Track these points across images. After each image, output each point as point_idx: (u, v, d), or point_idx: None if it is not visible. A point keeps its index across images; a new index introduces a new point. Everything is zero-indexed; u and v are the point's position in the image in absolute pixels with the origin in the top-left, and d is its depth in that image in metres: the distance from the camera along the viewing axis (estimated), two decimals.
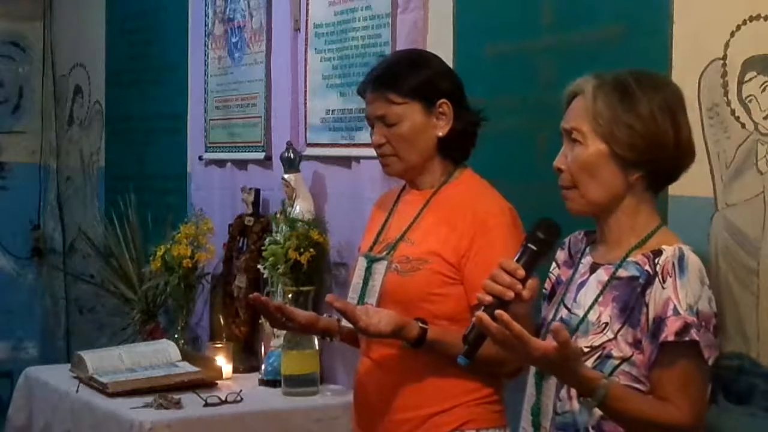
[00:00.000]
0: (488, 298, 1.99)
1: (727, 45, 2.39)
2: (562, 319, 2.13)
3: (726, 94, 2.40)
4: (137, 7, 5.23)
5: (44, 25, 6.09)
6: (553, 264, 2.28)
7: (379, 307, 2.50)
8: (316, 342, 3.45)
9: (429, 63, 2.64)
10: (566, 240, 2.27)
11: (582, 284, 2.14)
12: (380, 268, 2.57)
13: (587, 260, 2.18)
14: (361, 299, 2.58)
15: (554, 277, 2.26)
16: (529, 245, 2.05)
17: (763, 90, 2.33)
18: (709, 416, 2.41)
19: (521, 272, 2.00)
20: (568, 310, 2.14)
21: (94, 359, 3.62)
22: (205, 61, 4.53)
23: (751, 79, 2.35)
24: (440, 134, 2.59)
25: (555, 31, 2.91)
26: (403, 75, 2.58)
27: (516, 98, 2.96)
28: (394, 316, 2.43)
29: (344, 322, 2.53)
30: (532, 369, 2.17)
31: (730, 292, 2.37)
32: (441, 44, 3.21)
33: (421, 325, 2.45)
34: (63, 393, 3.59)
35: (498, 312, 1.93)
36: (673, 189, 2.49)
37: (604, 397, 1.96)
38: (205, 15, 4.52)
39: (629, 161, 2.06)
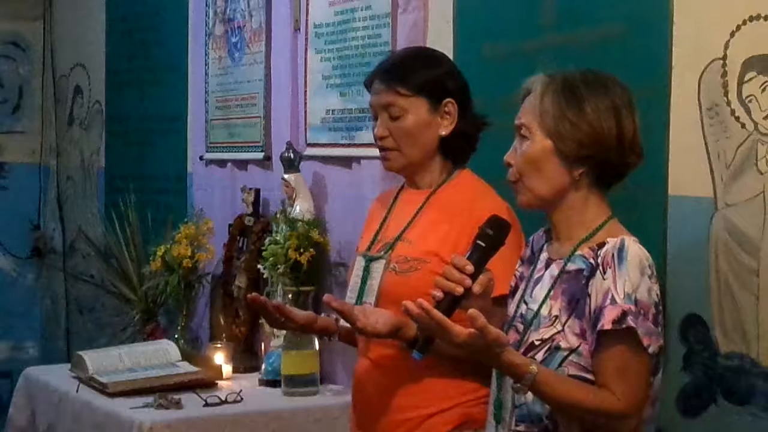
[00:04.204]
0: (439, 294, 2.06)
1: (727, 45, 2.39)
2: (521, 315, 2.18)
3: (726, 94, 2.40)
4: (137, 7, 5.22)
5: (44, 25, 6.08)
6: (519, 261, 2.32)
7: (377, 307, 2.51)
8: (316, 342, 3.45)
9: (440, 62, 2.65)
10: (531, 238, 2.32)
11: (538, 280, 2.20)
12: (378, 267, 2.57)
13: (544, 256, 2.23)
14: (360, 298, 2.58)
15: (518, 274, 2.30)
16: (478, 242, 2.12)
17: (763, 90, 2.33)
18: (709, 416, 2.41)
19: (470, 268, 2.07)
20: (526, 305, 2.19)
21: (94, 359, 3.62)
22: (205, 61, 4.53)
23: (751, 79, 2.35)
24: (443, 133, 2.59)
25: (555, 31, 2.91)
26: (414, 70, 2.58)
27: (516, 98, 2.95)
28: (392, 316, 2.42)
29: (342, 322, 2.53)
30: None
31: (730, 292, 2.37)
32: (441, 44, 3.21)
33: None
34: (63, 393, 3.59)
35: (419, 300, 2.00)
36: (673, 189, 2.49)
37: (532, 382, 2.00)
38: (205, 15, 4.52)
39: (572, 157, 2.12)
